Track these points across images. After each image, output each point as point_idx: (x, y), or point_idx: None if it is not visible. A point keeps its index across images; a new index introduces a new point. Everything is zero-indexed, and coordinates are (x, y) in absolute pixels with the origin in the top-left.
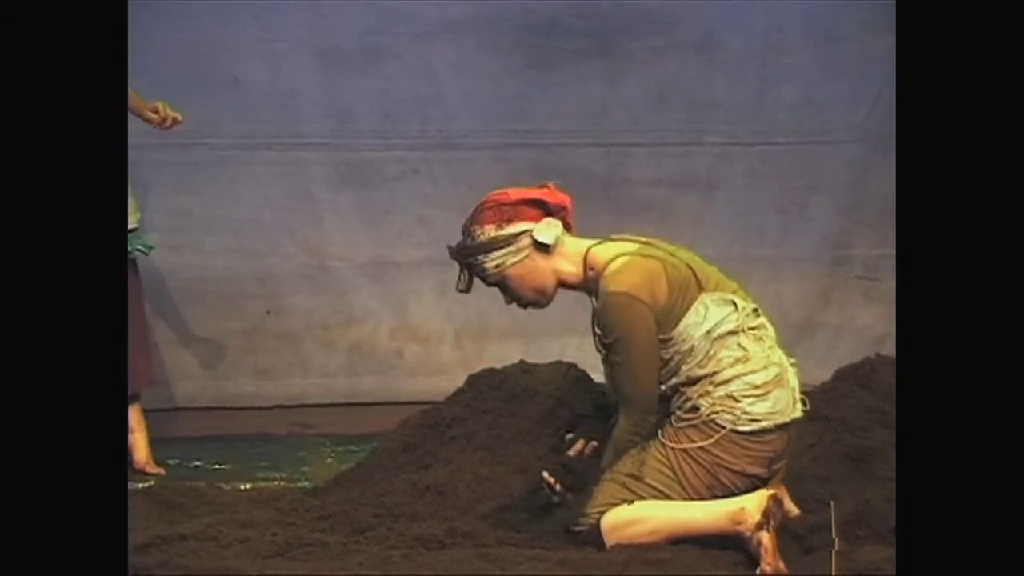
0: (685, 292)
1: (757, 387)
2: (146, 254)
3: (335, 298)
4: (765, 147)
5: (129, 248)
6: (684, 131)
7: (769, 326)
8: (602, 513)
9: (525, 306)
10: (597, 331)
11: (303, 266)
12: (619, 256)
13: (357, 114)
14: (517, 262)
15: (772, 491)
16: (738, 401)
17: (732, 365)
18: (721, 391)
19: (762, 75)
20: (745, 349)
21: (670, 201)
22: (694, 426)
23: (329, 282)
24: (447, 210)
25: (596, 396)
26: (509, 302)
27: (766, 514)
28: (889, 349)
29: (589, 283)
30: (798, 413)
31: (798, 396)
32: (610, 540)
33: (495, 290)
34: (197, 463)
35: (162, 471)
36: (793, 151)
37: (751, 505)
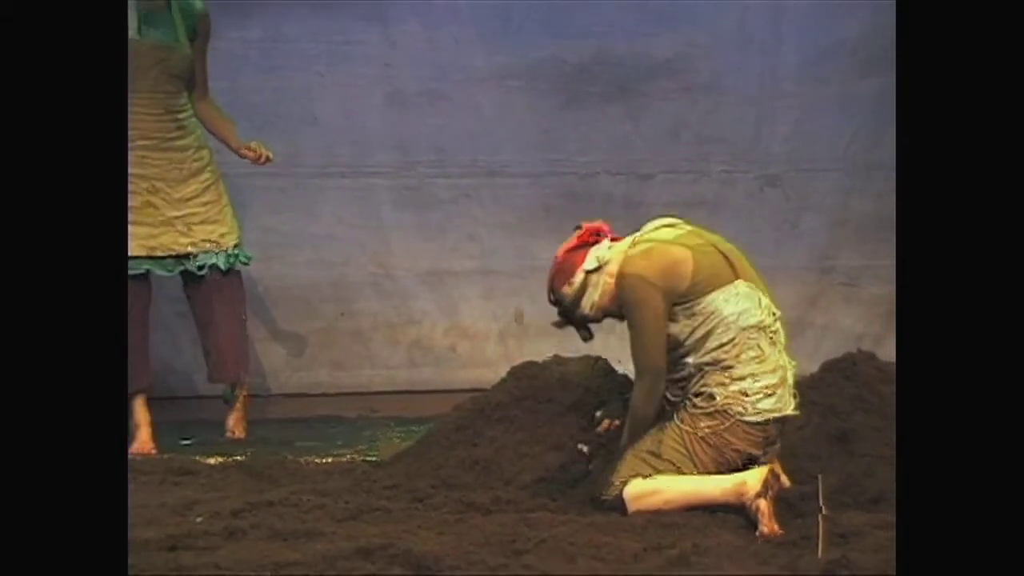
0: (715, 275)
1: (766, 387)
2: (247, 264)
3: (398, 302)
4: (763, 174)
5: (234, 260)
6: (694, 161)
7: (782, 331)
8: (625, 484)
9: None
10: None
11: (371, 275)
12: (647, 241)
13: (417, 147)
14: (599, 293)
15: (769, 466)
16: (747, 396)
17: (749, 363)
18: (735, 387)
19: (760, 113)
20: (762, 351)
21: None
22: (708, 414)
23: (393, 289)
24: (493, 228)
25: (619, 384)
26: (623, 319)
27: (764, 485)
28: (867, 345)
29: None
30: (793, 409)
31: (793, 392)
32: (631, 508)
33: (534, 294)
34: (283, 440)
35: (241, 435)
36: (787, 178)
37: (752, 479)
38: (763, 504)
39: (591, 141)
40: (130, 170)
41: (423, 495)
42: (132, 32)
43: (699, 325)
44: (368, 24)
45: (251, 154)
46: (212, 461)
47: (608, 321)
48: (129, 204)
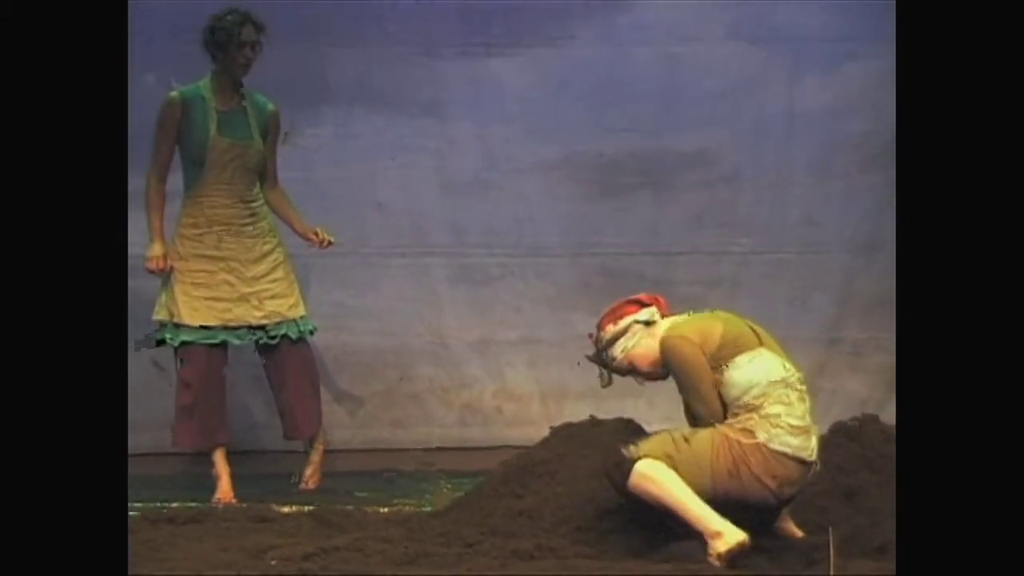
0: (741, 339)
1: (792, 426)
2: (312, 334)
3: (451, 368)
4: (777, 255)
5: (303, 330)
6: (715, 243)
7: (808, 396)
8: (644, 456)
9: (651, 379)
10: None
11: (428, 344)
12: (682, 315)
13: (469, 230)
14: (635, 344)
15: (745, 539)
16: (775, 427)
17: (777, 404)
18: (766, 421)
19: (774, 201)
20: (790, 399)
21: (705, 297)
22: (740, 429)
23: (447, 356)
24: (536, 303)
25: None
26: (642, 382)
27: (730, 553)
28: (871, 409)
29: None
30: (814, 458)
31: (816, 451)
32: (632, 480)
33: (574, 362)
34: (348, 492)
35: (312, 487)
36: (798, 259)
37: (729, 536)
38: (718, 562)
39: (624, 225)
40: (208, 252)
41: (473, 542)
42: (212, 131)
43: (731, 384)
44: (427, 121)
45: (314, 239)
46: (285, 509)
47: (637, 388)
48: (207, 282)
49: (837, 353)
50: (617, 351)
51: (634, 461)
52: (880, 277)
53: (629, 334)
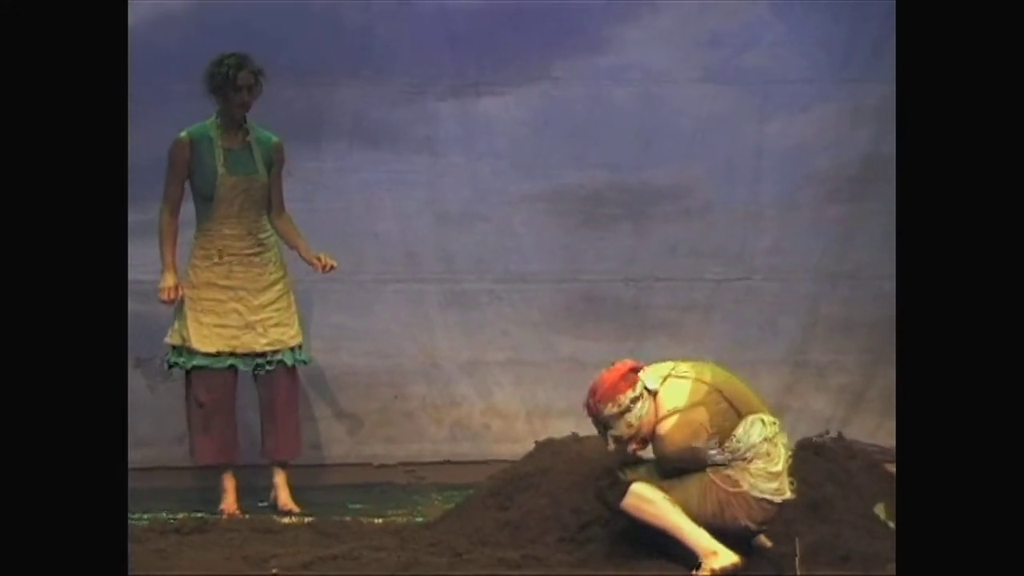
0: (725, 422)
1: (770, 473)
2: (305, 364)
3: (442, 387)
4: (747, 282)
5: (297, 359)
6: (689, 271)
7: (783, 434)
8: (635, 480)
9: (639, 447)
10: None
11: (421, 364)
12: (670, 415)
13: (460, 258)
14: (647, 411)
15: (738, 561)
16: (755, 477)
17: (760, 459)
18: (748, 472)
19: (744, 231)
20: (770, 453)
21: (680, 321)
22: (724, 476)
23: (438, 376)
24: (522, 326)
25: (627, 461)
26: (635, 452)
27: (723, 571)
28: (835, 426)
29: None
30: (790, 495)
31: (789, 480)
32: (627, 502)
33: (558, 383)
34: (345, 503)
35: (296, 509)
36: (767, 285)
37: (723, 556)
38: None
39: (604, 254)
40: (219, 281)
41: (462, 551)
42: (219, 169)
43: (725, 452)
44: (420, 156)
45: (317, 263)
46: (286, 521)
47: None
48: (217, 310)
49: (803, 374)
50: (633, 417)
51: (628, 483)
52: (843, 303)
53: (643, 399)
